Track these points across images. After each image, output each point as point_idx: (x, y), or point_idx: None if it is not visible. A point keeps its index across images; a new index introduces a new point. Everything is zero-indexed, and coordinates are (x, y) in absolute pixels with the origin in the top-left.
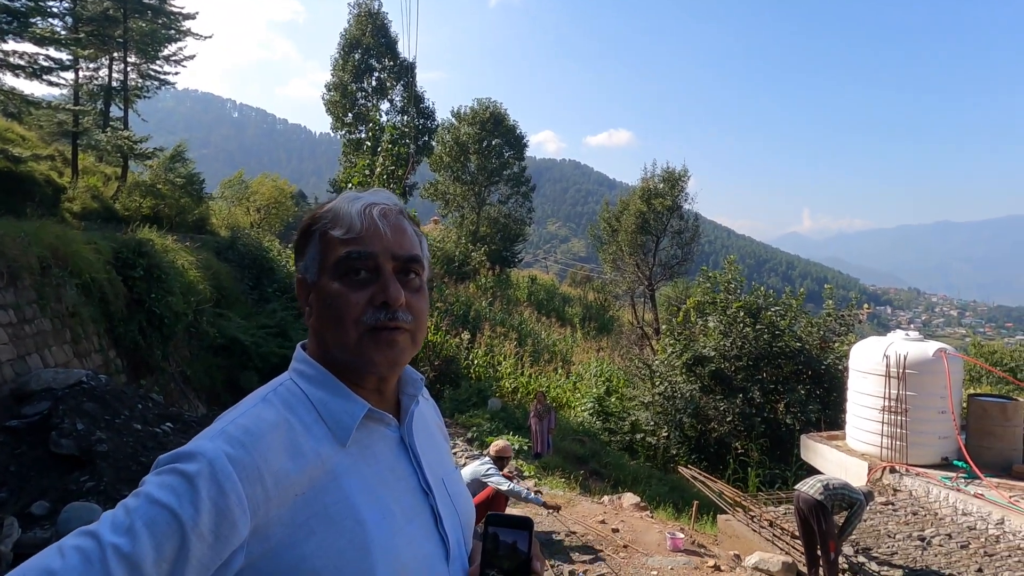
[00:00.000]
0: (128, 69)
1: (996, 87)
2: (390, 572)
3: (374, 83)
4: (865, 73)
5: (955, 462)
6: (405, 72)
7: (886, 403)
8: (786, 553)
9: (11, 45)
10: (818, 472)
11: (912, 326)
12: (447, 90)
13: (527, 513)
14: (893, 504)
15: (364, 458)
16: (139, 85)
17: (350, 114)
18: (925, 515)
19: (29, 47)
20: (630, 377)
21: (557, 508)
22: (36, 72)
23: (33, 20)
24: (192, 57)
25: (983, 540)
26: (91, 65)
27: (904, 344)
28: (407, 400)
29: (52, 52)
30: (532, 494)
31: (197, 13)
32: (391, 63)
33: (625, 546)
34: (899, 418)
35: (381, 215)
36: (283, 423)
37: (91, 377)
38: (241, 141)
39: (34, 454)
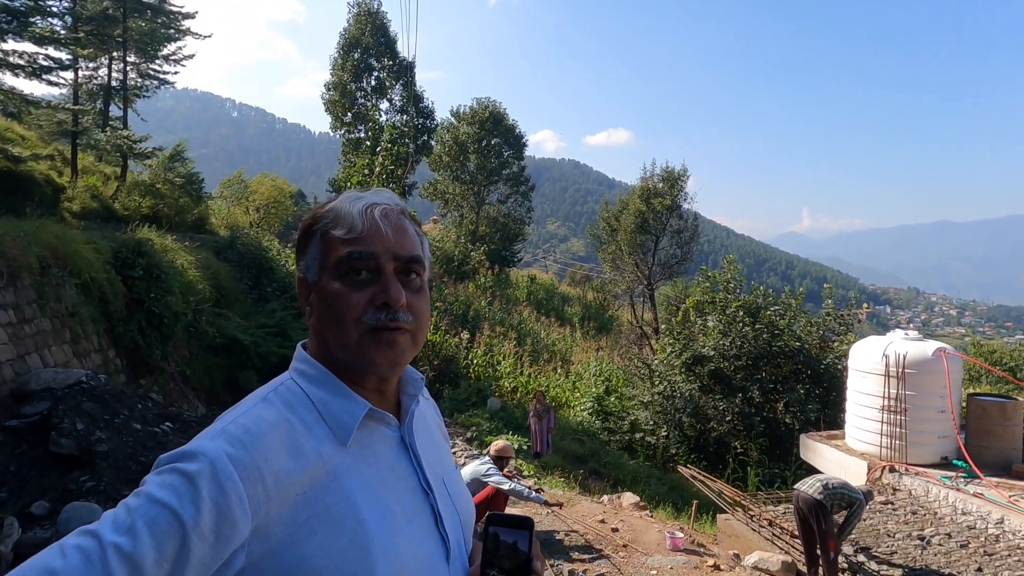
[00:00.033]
0: (127, 68)
1: (996, 87)
2: (391, 572)
3: (373, 82)
4: (865, 73)
5: (954, 461)
6: (404, 71)
7: (885, 402)
8: (786, 552)
9: (11, 44)
10: (817, 471)
11: (911, 325)
12: (446, 89)
13: (527, 513)
14: (892, 503)
15: (365, 458)
16: (138, 84)
17: (349, 113)
18: (924, 514)
19: (29, 46)
20: (629, 376)
21: (559, 505)
22: (36, 71)
23: (33, 19)
24: (191, 56)
25: (983, 539)
26: (90, 64)
27: (903, 343)
28: (407, 400)
29: (52, 51)
30: (533, 492)
31: (196, 12)
32: (390, 62)
33: (625, 545)
34: (898, 417)
35: (383, 215)
36: (284, 423)
37: (91, 377)
38: (240, 140)
39: (34, 454)
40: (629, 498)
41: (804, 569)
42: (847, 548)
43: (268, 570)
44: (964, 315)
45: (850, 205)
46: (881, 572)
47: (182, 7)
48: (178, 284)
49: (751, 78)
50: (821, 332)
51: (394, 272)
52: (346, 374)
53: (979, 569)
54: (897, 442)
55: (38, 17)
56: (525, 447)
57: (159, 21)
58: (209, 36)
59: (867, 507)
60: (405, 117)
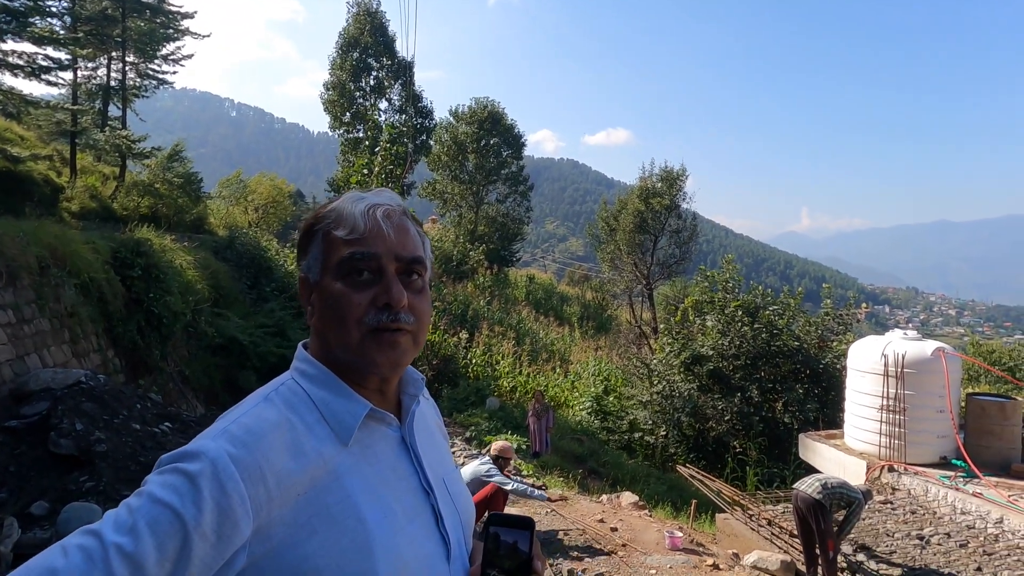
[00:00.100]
0: (126, 68)
1: (996, 87)
2: (392, 571)
3: (372, 82)
4: (865, 73)
5: (954, 461)
6: (403, 71)
7: (884, 402)
8: (785, 552)
9: (10, 44)
10: (816, 471)
11: (910, 325)
12: (445, 89)
13: (529, 512)
14: (892, 503)
15: (366, 458)
16: (137, 84)
17: (348, 113)
18: (924, 514)
19: (28, 46)
20: (628, 376)
21: (564, 499)
22: (35, 71)
23: (32, 19)
24: (190, 56)
25: (982, 539)
26: (89, 64)
27: (902, 343)
28: (408, 400)
29: (51, 51)
30: (536, 490)
31: (195, 12)
32: (389, 62)
33: (624, 545)
34: (897, 417)
35: (385, 216)
36: (285, 422)
37: (90, 377)
38: (239, 140)
39: (33, 454)
40: (628, 497)
41: (803, 568)
42: (846, 547)
43: (270, 570)
44: (963, 315)
45: (849, 205)
46: (880, 571)
47: (181, 7)
48: (177, 284)
49: (751, 78)
50: (820, 332)
51: (396, 273)
52: (347, 374)
53: (978, 568)
54: (896, 442)
55: (37, 17)
56: (524, 447)
57: (158, 21)
58: (208, 36)
59: (866, 506)
60: (404, 117)
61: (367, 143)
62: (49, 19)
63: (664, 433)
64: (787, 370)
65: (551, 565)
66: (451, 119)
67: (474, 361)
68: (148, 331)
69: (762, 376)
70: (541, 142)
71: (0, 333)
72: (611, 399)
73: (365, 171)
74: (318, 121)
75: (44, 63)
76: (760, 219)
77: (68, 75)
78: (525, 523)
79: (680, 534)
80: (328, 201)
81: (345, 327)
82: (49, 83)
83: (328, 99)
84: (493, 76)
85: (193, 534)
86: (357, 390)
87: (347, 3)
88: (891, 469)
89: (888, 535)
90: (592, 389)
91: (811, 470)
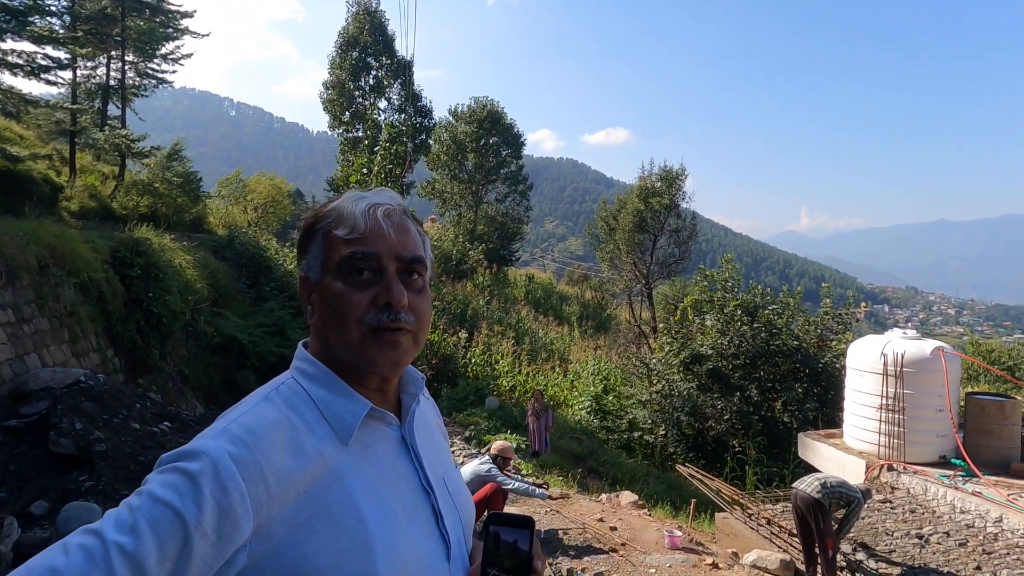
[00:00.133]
0: (126, 67)
1: (996, 87)
2: (392, 571)
3: (372, 81)
4: (864, 73)
5: (953, 460)
6: (403, 70)
7: (884, 401)
8: (784, 551)
9: (9, 44)
10: (816, 470)
11: (910, 324)
12: (445, 88)
13: (530, 511)
14: (891, 502)
15: (366, 457)
16: (137, 84)
17: (347, 112)
18: (923, 513)
19: (27, 46)
20: (627, 375)
21: (565, 496)
22: (34, 71)
23: (31, 18)
24: (190, 55)
25: (981, 538)
26: (89, 64)
27: (902, 342)
28: (408, 399)
29: (50, 51)
30: (537, 489)
31: (195, 11)
32: (389, 61)
33: (623, 544)
34: (897, 416)
35: (385, 215)
36: (285, 422)
37: (89, 376)
38: (238, 139)
39: (33, 454)
40: (627, 497)
41: (802, 567)
42: (845, 546)
43: (270, 569)
44: (962, 314)
45: (848, 204)
46: (880, 570)
47: (180, 6)
48: (176, 283)
49: (751, 78)
50: (819, 331)
51: (396, 272)
52: (348, 373)
53: (978, 567)
54: (895, 441)
55: (36, 16)
56: (523, 446)
57: (157, 20)
58: (207, 35)
59: (865, 506)
60: (403, 116)
61: (366, 142)
62: (48, 18)
63: (663, 432)
64: (786, 369)
65: (551, 564)
66: (450, 118)
67: (473, 360)
68: (147, 330)
69: (761, 375)
70: (540, 141)
71: (0, 332)
72: (610, 398)
73: (364, 170)
74: (317, 120)
75: (43, 62)
76: (759, 219)
77: (67, 74)
78: (525, 522)
79: (679, 533)
80: (328, 200)
81: (345, 326)
82: (48, 82)
83: (327, 98)
84: (492, 75)
85: (194, 533)
86: (357, 389)
87: (347, 2)
88: (890, 468)
89: (887, 534)
90: (591, 388)
91: (810, 469)
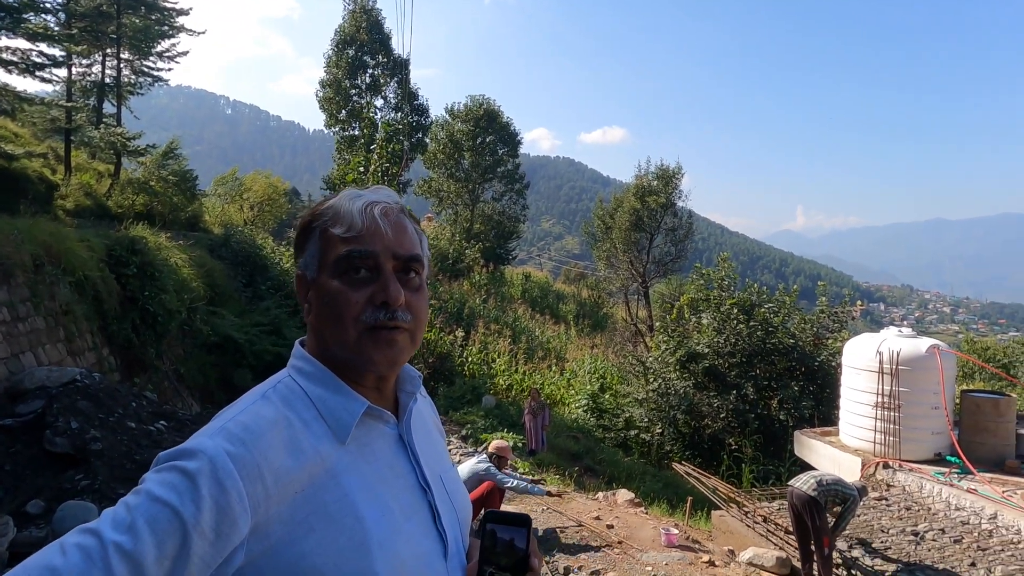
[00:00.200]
0: (121, 65)
1: (994, 87)
2: (389, 569)
3: (368, 80)
4: (861, 71)
5: (948, 457)
6: (399, 69)
7: (879, 399)
8: (780, 548)
9: (4, 41)
10: (812, 468)
11: (905, 323)
12: (441, 87)
13: (525, 510)
14: (886, 499)
15: (363, 455)
16: (132, 81)
17: (344, 111)
18: (918, 510)
19: (22, 43)
20: (624, 374)
21: (560, 495)
22: (29, 68)
23: (26, 15)
24: (185, 53)
25: (976, 535)
26: (84, 61)
27: (897, 340)
28: (405, 398)
29: (45, 48)
30: (534, 486)
31: (191, 9)
32: (385, 60)
33: (620, 542)
34: (892, 414)
35: (382, 214)
36: (282, 420)
37: (85, 375)
38: (234, 138)
39: (28, 453)
40: (624, 495)
41: (798, 565)
42: (841, 544)
43: (267, 568)
44: (958, 312)
45: (844, 203)
46: (875, 567)
47: (176, 3)
48: (172, 282)
49: (747, 76)
50: (815, 329)
51: (393, 271)
52: (345, 372)
53: (973, 564)
54: (891, 438)
55: (31, 13)
56: (520, 444)
57: (153, 18)
58: (203, 33)
59: (861, 503)
60: (400, 114)
61: (363, 141)
62: (43, 15)
63: (660, 431)
64: (782, 367)
65: (547, 562)
66: (447, 117)
67: (470, 359)
68: (143, 329)
69: (757, 374)
70: (537, 140)
71: None
72: (607, 397)
73: (361, 169)
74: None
75: (38, 60)
76: (755, 217)
77: (63, 72)
78: (522, 520)
79: (676, 531)
80: (325, 199)
81: (342, 325)
82: (43, 80)
83: (324, 97)
84: (489, 74)
85: (192, 532)
86: (354, 388)
87: (343, 0)
88: (886, 466)
89: (883, 531)
90: (588, 387)
91: (806, 467)
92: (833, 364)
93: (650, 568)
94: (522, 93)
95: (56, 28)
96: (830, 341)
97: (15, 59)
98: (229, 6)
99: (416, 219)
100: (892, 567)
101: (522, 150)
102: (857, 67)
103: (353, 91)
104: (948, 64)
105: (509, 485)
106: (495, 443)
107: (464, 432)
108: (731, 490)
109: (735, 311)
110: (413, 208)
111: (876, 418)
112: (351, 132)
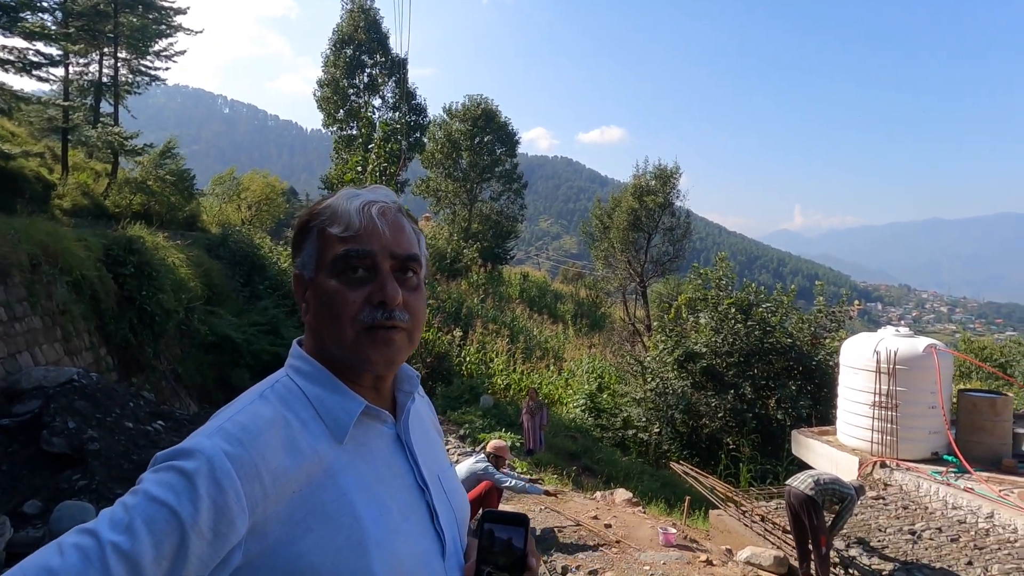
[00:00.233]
0: (118, 64)
1: (992, 86)
2: (387, 568)
3: (366, 79)
4: (859, 71)
5: (945, 456)
6: (397, 68)
7: (876, 398)
8: (778, 547)
9: (0, 40)
10: (809, 467)
11: (902, 322)
12: (439, 86)
13: (523, 509)
14: (884, 498)
15: (361, 455)
16: (129, 81)
17: (342, 110)
18: (915, 509)
19: (19, 42)
20: (622, 373)
21: (556, 494)
22: (26, 67)
23: (22, 14)
24: (183, 52)
25: (973, 533)
26: (81, 60)
27: (894, 340)
28: (403, 397)
29: (42, 47)
30: (532, 485)
31: (188, 8)
32: (383, 59)
33: (618, 541)
34: (889, 413)
35: (380, 213)
36: (280, 420)
37: (82, 375)
38: (232, 137)
39: (26, 453)
40: (622, 494)
41: (796, 564)
42: (839, 543)
43: (265, 567)
44: (955, 312)
45: (842, 202)
46: (873, 566)
47: (173, 3)
48: (170, 282)
49: (745, 75)
50: (813, 329)
51: (391, 270)
52: (342, 371)
53: (969, 562)
54: (888, 438)
55: (28, 12)
56: (518, 444)
57: (150, 17)
58: (200, 32)
59: (858, 502)
60: (397, 114)
61: (361, 140)
62: (40, 14)
63: (658, 430)
64: (780, 367)
65: (545, 561)
66: (445, 116)
67: (468, 359)
68: (141, 329)
69: (755, 373)
70: (535, 140)
71: None
72: (605, 396)
73: (359, 168)
74: (311, 118)
75: (35, 59)
76: (753, 217)
77: (59, 71)
78: (519, 519)
79: (674, 530)
80: (323, 198)
81: (340, 324)
82: (40, 79)
83: (322, 96)
84: (487, 73)
85: (190, 532)
86: (352, 387)
87: (341, 0)
88: (883, 465)
89: (880, 530)
90: (586, 387)
91: (804, 466)
92: (831, 363)
93: (648, 567)
94: (520, 93)
95: (53, 27)
96: (828, 341)
97: (12, 58)
98: (226, 5)
99: (414, 219)
100: (889, 566)
101: (520, 150)
102: (855, 67)
103: (351, 90)
104: (946, 64)
105: (507, 485)
106: (493, 443)
107: (462, 432)
108: (729, 489)
109: (733, 311)
110: (411, 208)
111: (873, 417)
112: (349, 132)
